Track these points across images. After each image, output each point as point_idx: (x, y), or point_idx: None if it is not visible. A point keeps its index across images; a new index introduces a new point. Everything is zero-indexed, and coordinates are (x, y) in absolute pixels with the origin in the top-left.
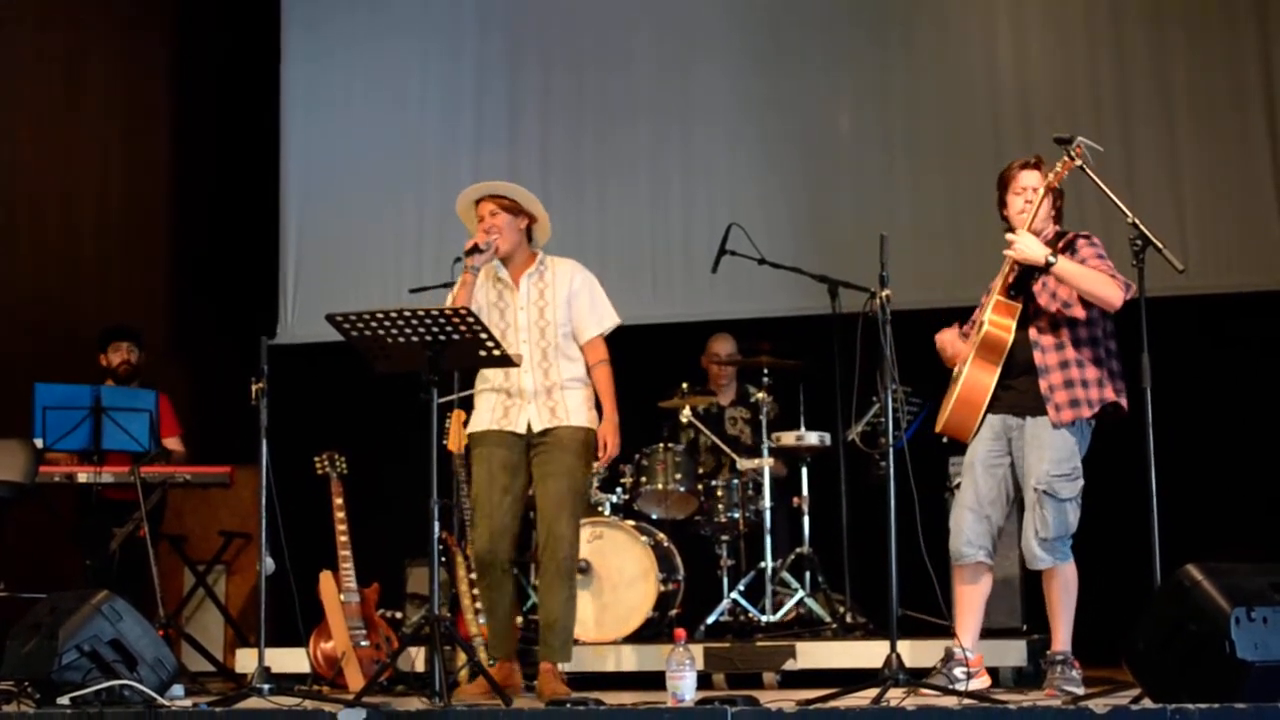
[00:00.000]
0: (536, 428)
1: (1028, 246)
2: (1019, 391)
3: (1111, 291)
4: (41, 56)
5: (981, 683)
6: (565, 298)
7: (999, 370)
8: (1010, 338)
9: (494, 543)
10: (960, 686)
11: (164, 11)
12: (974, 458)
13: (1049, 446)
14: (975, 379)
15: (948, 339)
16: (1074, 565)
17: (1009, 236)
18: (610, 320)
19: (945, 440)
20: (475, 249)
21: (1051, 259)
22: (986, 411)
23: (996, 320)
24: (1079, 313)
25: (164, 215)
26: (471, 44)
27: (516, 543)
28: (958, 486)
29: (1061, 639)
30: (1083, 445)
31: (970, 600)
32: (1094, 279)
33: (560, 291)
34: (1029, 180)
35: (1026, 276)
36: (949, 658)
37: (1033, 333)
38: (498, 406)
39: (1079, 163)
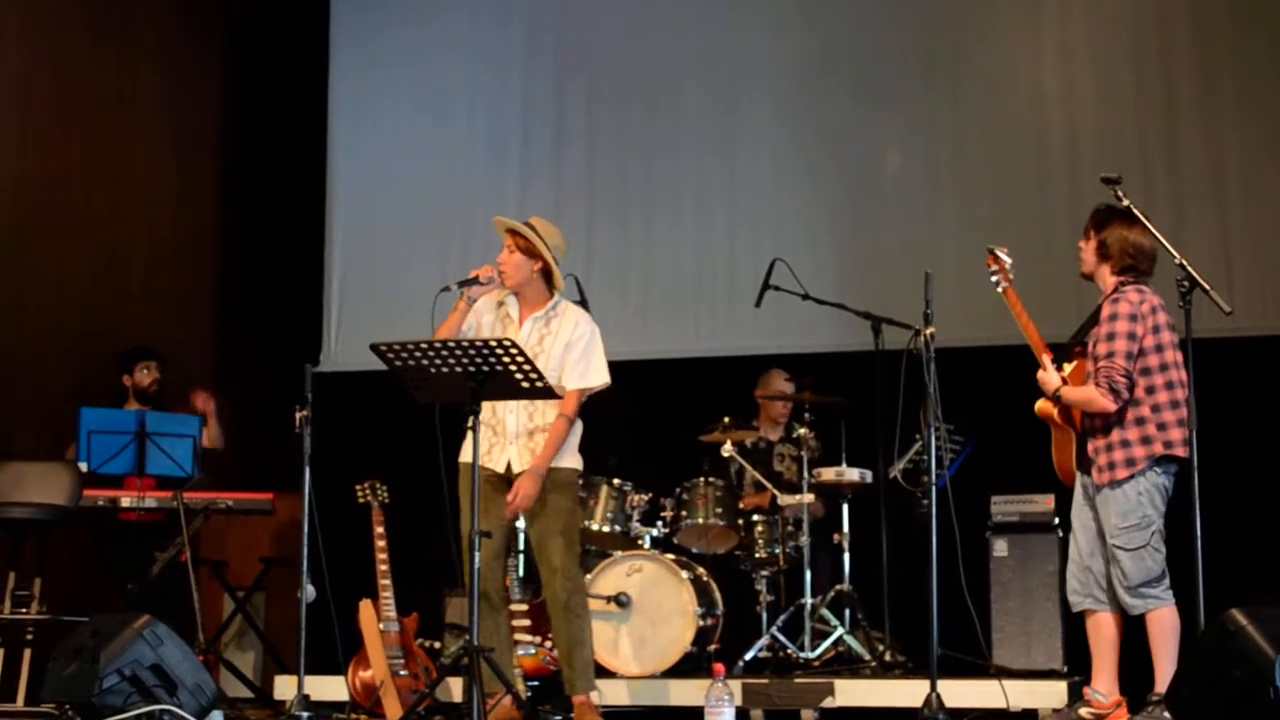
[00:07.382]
0: (516, 468)
1: (1047, 379)
2: (1085, 454)
3: (1098, 406)
4: (93, 82)
5: None
6: (563, 345)
7: (1075, 432)
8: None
9: (484, 571)
10: None
11: (214, 35)
12: (1074, 517)
13: (1113, 502)
14: (1060, 438)
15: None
16: (1172, 608)
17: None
18: (597, 378)
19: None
20: (475, 280)
21: (1058, 394)
22: (1078, 468)
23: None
24: None
25: (211, 241)
26: (519, 72)
27: (506, 572)
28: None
29: (1159, 680)
30: (1150, 494)
31: (1095, 646)
32: (1085, 403)
33: (560, 339)
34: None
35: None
36: (1078, 697)
37: None
38: (483, 441)
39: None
